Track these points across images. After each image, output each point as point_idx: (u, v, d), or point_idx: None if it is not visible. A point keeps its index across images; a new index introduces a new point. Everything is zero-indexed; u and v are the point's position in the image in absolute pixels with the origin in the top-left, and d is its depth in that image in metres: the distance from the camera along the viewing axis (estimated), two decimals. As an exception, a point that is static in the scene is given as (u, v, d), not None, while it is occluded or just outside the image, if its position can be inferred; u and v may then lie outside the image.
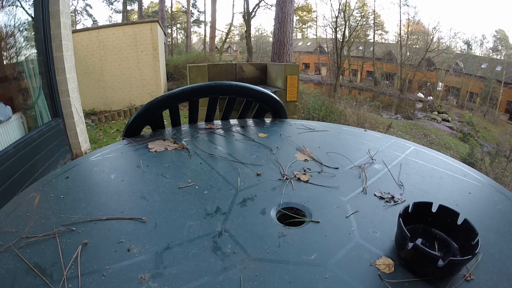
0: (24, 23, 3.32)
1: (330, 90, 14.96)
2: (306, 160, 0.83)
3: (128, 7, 24.83)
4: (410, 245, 0.46)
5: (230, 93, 1.13)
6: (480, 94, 18.37)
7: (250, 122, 1.16)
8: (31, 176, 2.88)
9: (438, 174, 0.78)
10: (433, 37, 19.89)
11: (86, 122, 4.70)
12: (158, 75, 8.40)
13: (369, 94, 19.72)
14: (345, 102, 9.59)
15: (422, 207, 0.55)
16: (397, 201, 0.65)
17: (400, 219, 0.49)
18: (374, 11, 21.61)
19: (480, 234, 0.47)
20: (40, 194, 0.64)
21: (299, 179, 0.73)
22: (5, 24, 2.97)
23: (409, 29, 21.17)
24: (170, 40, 22.82)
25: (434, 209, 0.55)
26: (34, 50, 3.45)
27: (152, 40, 8.14)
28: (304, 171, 0.77)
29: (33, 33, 3.41)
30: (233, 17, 36.35)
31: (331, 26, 19.07)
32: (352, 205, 0.63)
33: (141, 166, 0.77)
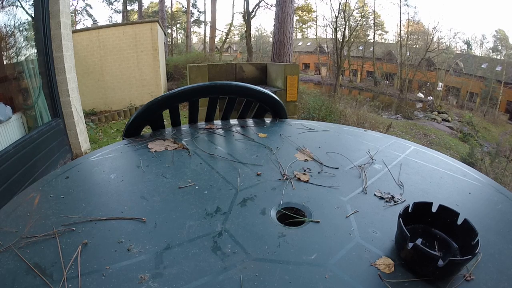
0: (24, 23, 3.32)
1: (330, 90, 14.94)
2: (306, 160, 0.83)
3: (128, 7, 24.85)
4: (410, 245, 0.46)
5: (230, 93, 1.13)
6: (480, 94, 18.37)
7: (250, 122, 1.16)
8: (31, 176, 2.88)
9: (438, 174, 0.78)
10: (433, 37, 19.91)
11: (86, 122, 4.70)
12: (158, 75, 8.40)
13: (369, 94, 19.71)
14: (345, 102, 9.58)
15: (422, 207, 0.55)
16: (397, 201, 0.65)
17: (400, 219, 0.49)
18: (374, 11, 21.63)
19: (480, 234, 0.47)
20: (40, 194, 0.64)
21: (299, 179, 0.73)
22: (5, 24, 2.97)
23: (409, 29, 21.19)
24: (170, 40, 22.83)
25: (434, 209, 0.55)
26: (34, 50, 3.45)
27: (152, 40, 8.14)
28: (304, 171, 0.77)
29: (33, 33, 3.41)
30: (233, 17, 36.40)
31: (331, 26, 19.08)
32: (352, 205, 0.63)
33: (141, 166, 0.77)
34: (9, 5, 3.00)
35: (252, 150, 0.89)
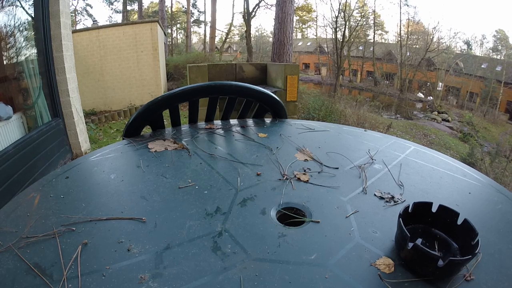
0: (24, 23, 3.32)
1: (330, 90, 14.95)
2: (306, 160, 0.83)
3: (128, 7, 24.83)
4: (410, 245, 0.46)
5: (230, 93, 1.13)
6: (480, 94, 18.37)
7: (250, 122, 1.16)
8: (31, 176, 2.88)
9: (438, 174, 0.78)
10: (433, 37, 19.90)
11: (86, 122, 4.70)
12: (158, 75, 8.40)
13: (369, 94, 19.71)
14: (345, 102, 9.58)
15: (422, 207, 0.55)
16: (397, 201, 0.65)
17: (400, 219, 0.49)
18: (374, 11, 21.62)
19: (480, 234, 0.47)
20: (40, 194, 0.64)
21: (299, 179, 0.73)
22: (5, 24, 2.97)
23: (409, 29, 21.19)
24: (170, 40, 22.82)
25: (434, 209, 0.55)
26: (34, 50, 3.45)
27: (152, 40, 8.14)
28: (304, 171, 0.77)
29: (33, 33, 3.41)
30: (233, 17, 36.36)
31: (331, 26, 19.09)
32: (352, 205, 0.63)
33: (141, 166, 0.77)
34: (9, 5, 3.00)
35: (252, 150, 0.89)
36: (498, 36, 21.47)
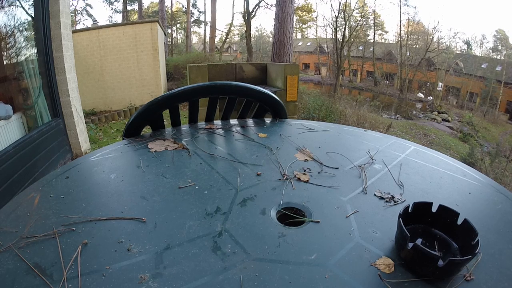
0: (24, 23, 3.32)
1: (330, 90, 14.96)
2: (306, 160, 0.83)
3: (128, 7, 24.83)
4: (410, 245, 0.46)
5: (230, 93, 1.13)
6: (480, 94, 18.37)
7: (250, 122, 1.16)
8: (31, 176, 2.88)
9: (438, 174, 0.78)
10: (433, 37, 19.91)
11: (86, 122, 4.70)
12: (158, 75, 8.40)
13: (369, 94, 19.72)
14: (345, 102, 9.58)
15: (422, 207, 0.55)
16: (397, 201, 0.65)
17: (400, 219, 0.49)
18: (374, 11, 21.65)
19: (480, 234, 0.47)
20: (40, 194, 0.64)
21: (299, 179, 0.73)
22: (5, 24, 2.97)
23: (409, 29, 21.19)
24: (170, 40, 22.83)
25: (434, 209, 0.54)
26: (34, 50, 3.45)
27: (152, 40, 8.14)
28: (304, 171, 0.77)
29: (33, 33, 3.41)
30: (233, 17, 36.41)
31: (331, 26, 19.10)
32: (352, 205, 0.63)
33: (141, 166, 0.77)
34: (9, 5, 3.00)
35: (252, 150, 0.89)
36: (498, 36, 21.47)
